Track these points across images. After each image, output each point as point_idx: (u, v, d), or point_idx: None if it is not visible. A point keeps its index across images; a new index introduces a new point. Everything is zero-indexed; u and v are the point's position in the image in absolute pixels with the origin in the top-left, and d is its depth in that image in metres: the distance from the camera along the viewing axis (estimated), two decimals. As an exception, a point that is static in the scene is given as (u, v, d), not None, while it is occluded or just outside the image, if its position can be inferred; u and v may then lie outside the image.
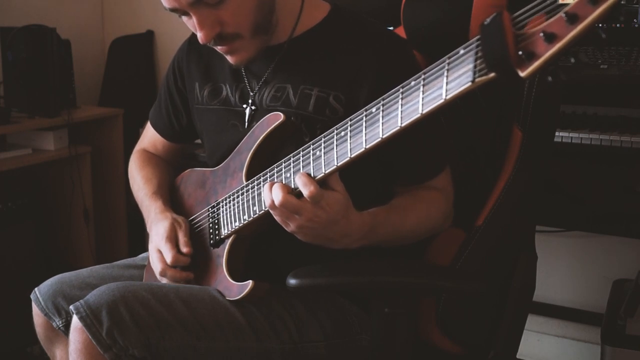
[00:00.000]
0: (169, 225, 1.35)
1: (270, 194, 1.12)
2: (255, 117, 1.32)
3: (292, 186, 1.12)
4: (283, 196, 1.10)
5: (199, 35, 1.21)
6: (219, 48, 1.26)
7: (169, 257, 1.32)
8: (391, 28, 1.51)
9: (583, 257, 2.38)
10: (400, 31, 1.48)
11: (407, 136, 1.09)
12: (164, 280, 1.34)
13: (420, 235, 1.29)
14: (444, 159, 1.30)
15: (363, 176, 1.29)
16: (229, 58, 1.28)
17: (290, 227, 1.14)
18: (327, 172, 1.08)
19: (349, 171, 1.13)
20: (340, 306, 1.33)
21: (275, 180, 1.16)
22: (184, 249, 1.32)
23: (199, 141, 1.52)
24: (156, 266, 1.34)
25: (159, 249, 1.34)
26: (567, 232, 2.32)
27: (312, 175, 1.10)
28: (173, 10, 1.20)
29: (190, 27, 1.25)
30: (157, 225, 1.37)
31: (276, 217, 1.15)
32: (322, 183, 1.11)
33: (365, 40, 1.26)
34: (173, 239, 1.34)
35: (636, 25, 1.92)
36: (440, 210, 1.29)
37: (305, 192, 1.08)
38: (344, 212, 1.12)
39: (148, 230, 1.42)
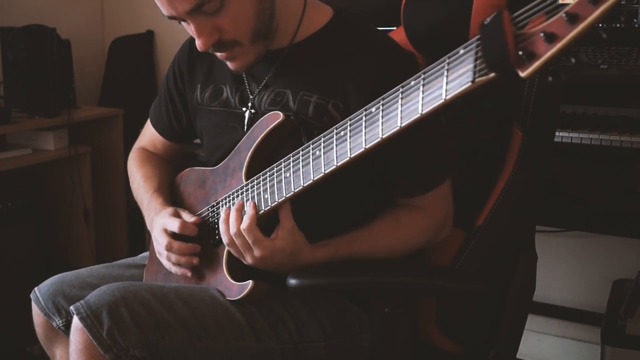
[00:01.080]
0: (172, 209, 1.36)
1: (227, 225, 1.20)
2: (254, 120, 1.32)
3: (263, 206, 1.18)
4: (236, 232, 1.18)
5: (198, 43, 1.21)
6: (218, 54, 1.26)
7: (175, 225, 1.31)
8: (391, 28, 1.51)
9: (583, 257, 2.38)
10: (400, 31, 1.48)
11: (408, 143, 1.09)
12: (172, 258, 1.33)
13: (397, 256, 1.28)
14: (442, 174, 1.28)
15: (360, 185, 1.29)
16: (229, 64, 1.28)
17: (246, 261, 1.21)
18: (326, 171, 1.09)
19: (347, 178, 1.13)
20: (340, 306, 1.32)
21: (275, 180, 1.17)
22: (191, 219, 1.32)
23: (198, 141, 1.52)
24: (161, 241, 1.33)
25: (164, 227, 1.33)
26: (567, 232, 2.32)
27: (262, 207, 1.19)
28: (171, 17, 1.20)
29: (190, 33, 1.25)
30: (159, 215, 1.37)
31: (232, 248, 1.22)
32: (273, 217, 1.18)
33: (366, 50, 1.25)
34: (177, 216, 1.34)
35: (636, 25, 1.92)
36: (420, 235, 1.28)
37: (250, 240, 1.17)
38: (290, 255, 1.19)
39: (148, 227, 1.41)
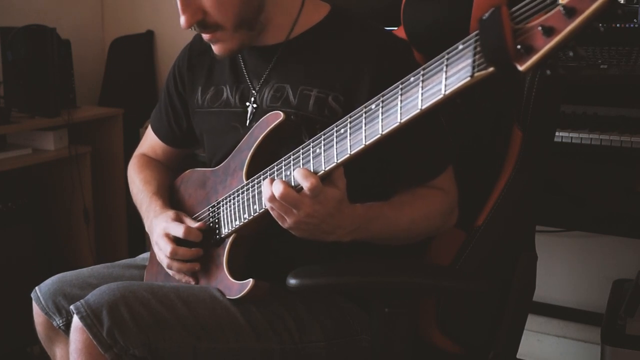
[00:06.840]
0: (174, 213, 1.36)
1: (270, 188, 1.12)
2: (256, 116, 1.32)
3: (293, 184, 1.12)
4: (284, 188, 1.10)
5: (181, 19, 1.22)
6: (203, 35, 1.28)
7: (180, 230, 1.30)
8: (392, 28, 1.51)
9: (583, 257, 2.38)
10: (401, 31, 1.48)
11: (408, 136, 1.10)
12: (174, 266, 1.33)
13: (416, 233, 1.27)
14: (445, 160, 1.29)
15: (365, 176, 1.29)
16: (213, 47, 1.30)
17: (287, 223, 1.14)
18: (327, 169, 1.09)
19: (350, 170, 1.13)
20: (340, 306, 1.32)
21: (276, 178, 1.17)
22: (194, 225, 1.32)
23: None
24: (165, 248, 1.31)
25: (166, 232, 1.32)
26: (567, 232, 2.32)
27: (312, 171, 1.10)
28: None
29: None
30: (159, 218, 1.36)
31: (273, 213, 1.14)
32: (324, 178, 1.11)
33: (363, 41, 1.26)
34: (179, 221, 1.33)
35: (636, 25, 1.92)
36: (439, 210, 1.28)
37: (306, 185, 1.08)
38: (338, 205, 1.12)
39: (147, 229, 1.41)
